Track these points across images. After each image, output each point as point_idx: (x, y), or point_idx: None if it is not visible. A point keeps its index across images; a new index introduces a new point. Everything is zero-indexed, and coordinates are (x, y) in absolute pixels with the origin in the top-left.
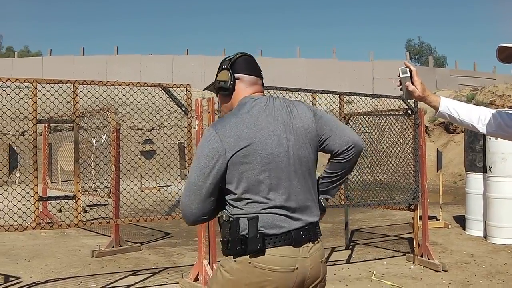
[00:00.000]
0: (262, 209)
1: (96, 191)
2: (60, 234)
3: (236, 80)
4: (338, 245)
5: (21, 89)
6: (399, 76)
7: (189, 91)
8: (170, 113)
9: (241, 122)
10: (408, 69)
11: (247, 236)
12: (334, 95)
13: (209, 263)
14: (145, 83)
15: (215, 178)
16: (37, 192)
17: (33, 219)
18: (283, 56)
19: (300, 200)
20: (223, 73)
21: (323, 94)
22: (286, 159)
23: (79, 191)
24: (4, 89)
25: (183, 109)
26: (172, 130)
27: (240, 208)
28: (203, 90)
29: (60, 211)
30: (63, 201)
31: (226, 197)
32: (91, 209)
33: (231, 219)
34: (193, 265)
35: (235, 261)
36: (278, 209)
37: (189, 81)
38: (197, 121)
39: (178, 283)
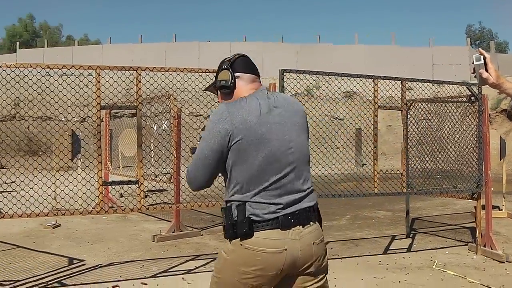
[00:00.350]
0: (254, 196)
1: (157, 176)
2: (122, 218)
3: (236, 79)
4: (398, 234)
5: (85, 76)
6: (473, 63)
7: None
8: None
9: (252, 112)
10: (482, 56)
11: (236, 221)
12: (396, 81)
13: None
14: (207, 69)
15: (222, 156)
16: (101, 177)
17: (97, 203)
18: (341, 42)
19: (294, 188)
20: (223, 73)
21: (384, 80)
22: (288, 152)
23: (142, 176)
24: (68, 76)
25: None
26: None
27: (236, 194)
28: (203, 91)
29: (121, 196)
30: (124, 186)
31: (227, 182)
32: (153, 194)
33: (227, 205)
34: None
35: (230, 243)
36: (270, 197)
37: None
38: None
39: None
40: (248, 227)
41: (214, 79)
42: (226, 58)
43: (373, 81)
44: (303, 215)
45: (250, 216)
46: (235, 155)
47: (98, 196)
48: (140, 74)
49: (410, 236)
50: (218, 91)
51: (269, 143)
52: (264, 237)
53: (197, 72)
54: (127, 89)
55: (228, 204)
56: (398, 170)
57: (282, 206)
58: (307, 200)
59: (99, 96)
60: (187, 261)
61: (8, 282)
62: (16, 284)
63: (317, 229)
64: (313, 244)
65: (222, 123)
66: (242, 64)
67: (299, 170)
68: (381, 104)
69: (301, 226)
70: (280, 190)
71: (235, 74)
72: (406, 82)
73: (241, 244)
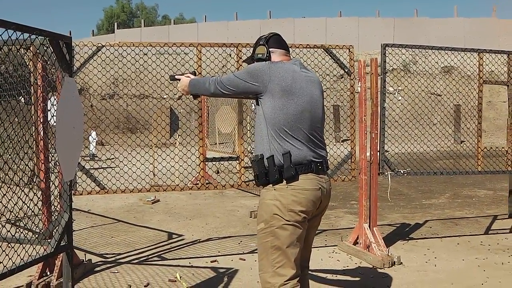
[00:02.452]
0: (294, 145)
1: (252, 153)
2: (219, 194)
3: (270, 53)
4: (500, 213)
5: (178, 54)
6: None
7: (352, 52)
8: (325, 75)
9: (287, 70)
10: None
11: (283, 167)
12: (497, 55)
13: (369, 226)
14: (308, 44)
15: (245, 89)
16: (203, 154)
17: (198, 179)
18: (440, 15)
19: (319, 141)
20: (260, 48)
21: (490, 54)
22: (316, 107)
23: (242, 152)
24: (162, 53)
25: (346, 70)
26: (327, 92)
27: (279, 144)
28: (242, 62)
29: (218, 172)
30: (219, 162)
31: (263, 133)
32: (246, 171)
33: (268, 156)
34: (352, 228)
35: (274, 189)
36: (306, 146)
37: (343, 43)
38: (359, 82)
39: (336, 245)
40: (295, 171)
41: (251, 53)
42: (263, 36)
43: (478, 55)
44: (325, 164)
45: (293, 161)
46: (271, 103)
47: (199, 173)
48: (240, 51)
49: None
50: (255, 63)
51: (301, 97)
52: (305, 178)
53: (297, 47)
54: (221, 66)
55: (271, 154)
56: (503, 148)
57: (315, 153)
58: (325, 152)
59: (200, 73)
60: None
61: (111, 255)
62: (118, 257)
63: (329, 177)
64: (330, 188)
65: (262, 72)
66: (275, 41)
67: (322, 125)
68: (485, 79)
69: (324, 173)
70: (311, 142)
71: (269, 49)
72: None
73: (287, 187)
